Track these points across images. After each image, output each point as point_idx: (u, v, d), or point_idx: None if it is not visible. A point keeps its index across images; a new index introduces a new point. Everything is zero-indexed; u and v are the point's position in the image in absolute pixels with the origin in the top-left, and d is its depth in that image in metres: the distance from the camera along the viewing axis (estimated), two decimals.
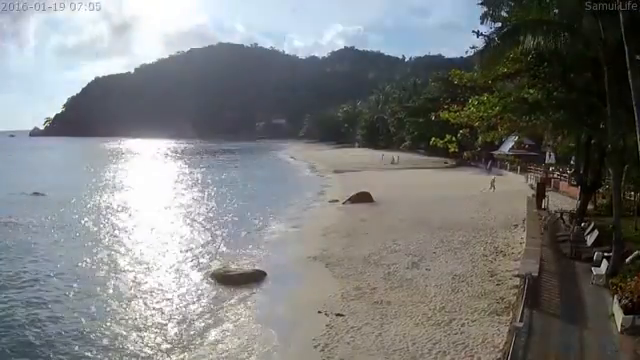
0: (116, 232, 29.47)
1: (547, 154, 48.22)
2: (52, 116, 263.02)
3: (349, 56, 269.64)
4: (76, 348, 13.97)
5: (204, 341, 14.29)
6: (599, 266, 16.22)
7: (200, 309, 16.80)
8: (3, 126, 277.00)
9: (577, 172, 25.41)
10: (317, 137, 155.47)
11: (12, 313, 16.40)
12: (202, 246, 25.76)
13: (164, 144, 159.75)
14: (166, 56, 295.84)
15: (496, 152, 59.94)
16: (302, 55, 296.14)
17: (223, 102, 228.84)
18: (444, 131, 63.69)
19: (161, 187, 53.34)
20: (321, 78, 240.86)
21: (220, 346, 13.94)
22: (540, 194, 29.20)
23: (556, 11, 17.67)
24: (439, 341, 12.68)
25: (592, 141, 23.66)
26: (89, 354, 13.64)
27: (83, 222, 32.32)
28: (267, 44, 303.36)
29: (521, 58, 20.10)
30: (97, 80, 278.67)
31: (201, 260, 22.89)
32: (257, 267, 20.96)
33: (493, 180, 41.45)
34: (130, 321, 15.86)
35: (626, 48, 13.82)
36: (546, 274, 15.86)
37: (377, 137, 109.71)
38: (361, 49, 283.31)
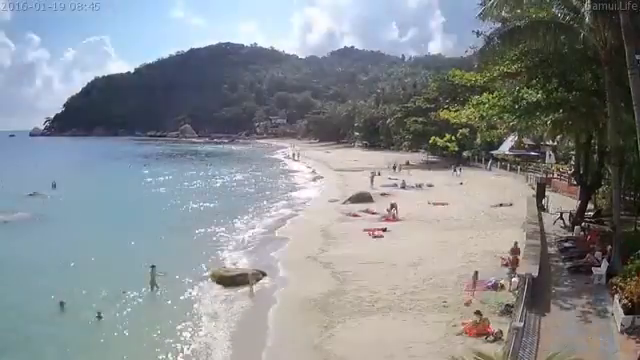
0: (112, 232, 29.46)
1: (547, 154, 48.14)
2: (52, 116, 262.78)
3: (349, 55, 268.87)
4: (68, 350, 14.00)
5: (203, 342, 14.27)
6: (599, 266, 16.22)
7: (199, 309, 16.80)
8: (3, 126, 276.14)
9: (577, 172, 25.39)
10: (317, 137, 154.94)
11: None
12: (201, 247, 25.70)
13: (163, 144, 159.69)
14: (166, 56, 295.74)
15: (495, 152, 59.81)
16: (302, 55, 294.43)
17: (223, 102, 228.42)
18: (444, 131, 63.61)
19: (160, 188, 53.31)
20: (321, 78, 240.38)
21: (219, 347, 13.92)
22: (540, 194, 29.19)
23: (556, 11, 17.65)
24: (438, 341, 12.67)
25: (592, 141, 23.66)
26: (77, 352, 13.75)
27: (82, 221, 32.34)
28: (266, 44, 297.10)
29: (521, 58, 20.07)
30: (97, 80, 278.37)
31: (201, 261, 22.84)
32: (256, 267, 20.95)
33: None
34: (126, 321, 15.88)
35: (626, 48, 13.82)
36: (546, 274, 15.84)
37: (377, 137, 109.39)
38: (361, 49, 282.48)
